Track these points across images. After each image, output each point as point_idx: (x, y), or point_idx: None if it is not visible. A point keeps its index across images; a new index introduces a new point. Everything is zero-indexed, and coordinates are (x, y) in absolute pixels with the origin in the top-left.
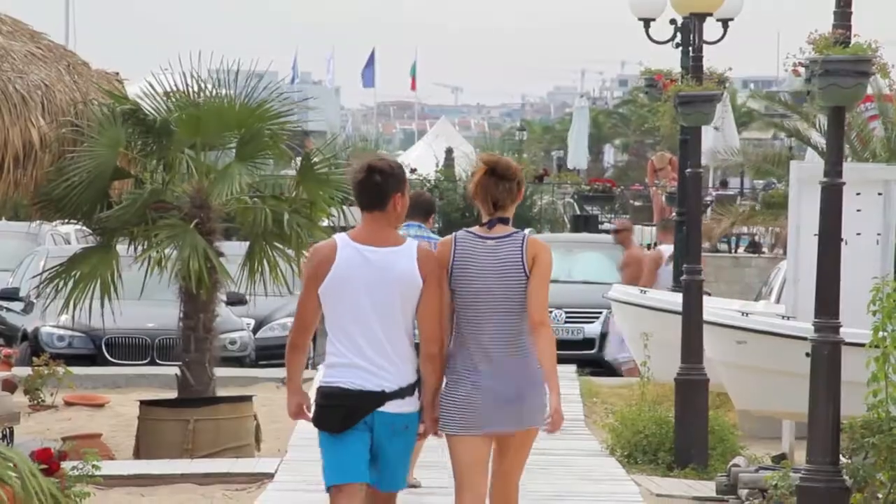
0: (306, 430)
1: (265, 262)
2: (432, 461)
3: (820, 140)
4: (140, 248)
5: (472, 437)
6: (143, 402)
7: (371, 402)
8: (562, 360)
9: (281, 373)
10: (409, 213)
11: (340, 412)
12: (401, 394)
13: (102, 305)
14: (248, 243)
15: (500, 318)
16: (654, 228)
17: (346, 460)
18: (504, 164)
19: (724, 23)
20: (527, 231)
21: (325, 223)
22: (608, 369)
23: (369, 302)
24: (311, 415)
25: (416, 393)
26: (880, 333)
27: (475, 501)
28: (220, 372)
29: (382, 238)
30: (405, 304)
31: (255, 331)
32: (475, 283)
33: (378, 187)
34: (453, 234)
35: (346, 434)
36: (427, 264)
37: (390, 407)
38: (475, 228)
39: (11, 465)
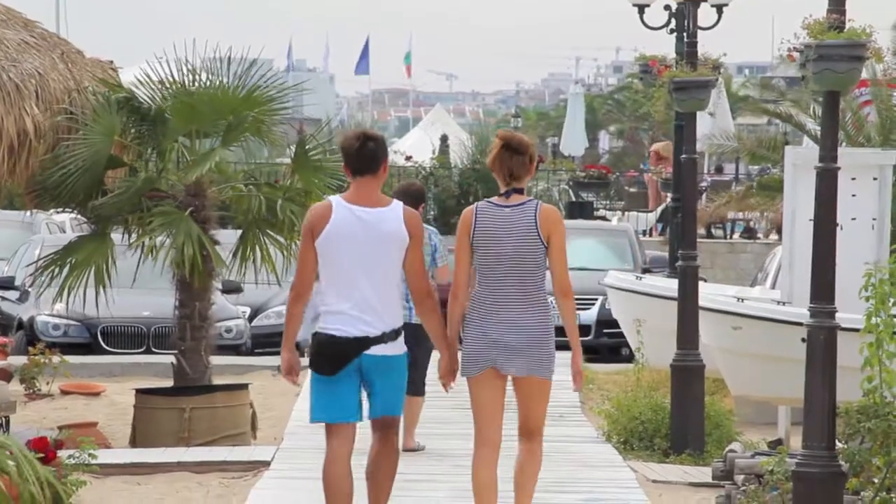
0: (302, 419)
1: (257, 248)
2: (431, 448)
3: (814, 126)
4: (135, 235)
5: (486, 379)
6: (138, 391)
7: (357, 347)
8: (558, 347)
9: (277, 361)
10: (400, 201)
11: (332, 358)
12: (384, 338)
13: (97, 294)
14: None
15: (516, 277)
16: (649, 215)
17: (335, 402)
18: (518, 140)
19: (719, 8)
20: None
21: None
22: (604, 356)
23: (359, 256)
24: (298, 379)
25: (401, 338)
26: (873, 319)
27: (489, 441)
28: (216, 360)
29: (372, 199)
30: (393, 259)
31: (250, 319)
32: (494, 245)
33: (373, 153)
34: (475, 203)
35: (338, 378)
36: (412, 224)
37: (375, 350)
38: (494, 198)
39: (8, 452)
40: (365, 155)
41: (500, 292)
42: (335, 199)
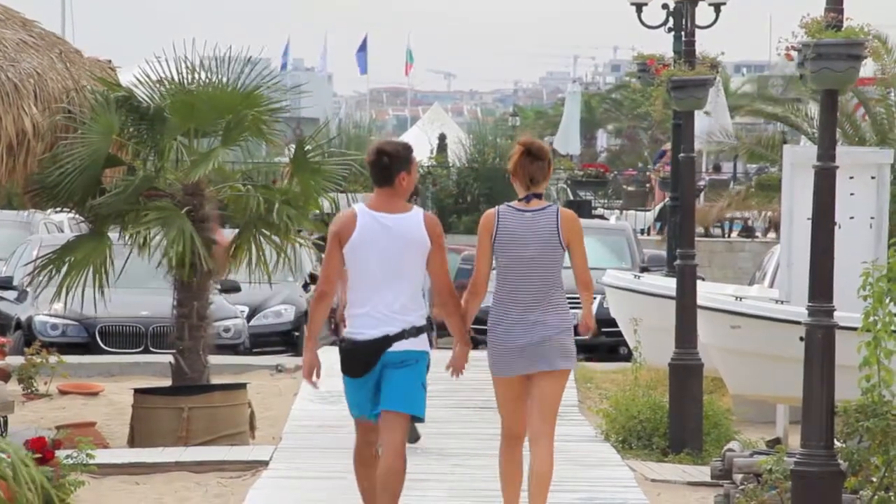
0: (300, 418)
1: (253, 248)
2: (429, 447)
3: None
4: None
5: (510, 378)
6: (137, 391)
7: (379, 347)
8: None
9: (275, 360)
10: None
11: (358, 362)
12: (404, 335)
13: (94, 293)
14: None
15: (537, 279)
16: (647, 214)
17: (359, 400)
18: (538, 146)
19: (717, 7)
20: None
21: (316, 213)
22: (602, 355)
23: (383, 261)
24: (319, 382)
25: (425, 336)
26: (871, 318)
27: (514, 433)
28: (214, 360)
29: (393, 207)
30: (415, 261)
31: (249, 318)
32: (516, 249)
33: (386, 168)
34: (496, 207)
35: (364, 379)
36: (433, 229)
37: (397, 346)
38: (514, 203)
39: (4, 455)
40: (378, 169)
41: (522, 293)
42: (359, 207)
